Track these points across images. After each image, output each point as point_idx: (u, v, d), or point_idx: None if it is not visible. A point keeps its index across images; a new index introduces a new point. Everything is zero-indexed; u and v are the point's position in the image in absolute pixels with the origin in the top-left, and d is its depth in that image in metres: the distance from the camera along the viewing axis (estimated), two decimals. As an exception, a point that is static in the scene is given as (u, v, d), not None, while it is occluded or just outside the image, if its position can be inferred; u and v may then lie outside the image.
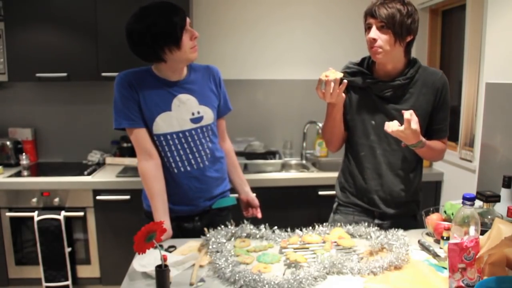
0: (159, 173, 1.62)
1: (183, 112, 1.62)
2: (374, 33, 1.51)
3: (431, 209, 1.65)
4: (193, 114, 1.63)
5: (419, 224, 1.71)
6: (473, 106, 2.39)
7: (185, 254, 1.40)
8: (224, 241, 1.44)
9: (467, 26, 2.39)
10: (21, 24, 2.61)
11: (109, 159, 2.95)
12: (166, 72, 1.61)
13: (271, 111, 3.18)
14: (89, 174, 2.63)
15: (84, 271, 2.63)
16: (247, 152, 2.90)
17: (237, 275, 1.21)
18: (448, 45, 2.88)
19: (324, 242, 1.45)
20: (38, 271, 2.52)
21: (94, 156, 2.98)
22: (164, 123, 1.59)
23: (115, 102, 1.59)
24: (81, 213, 2.53)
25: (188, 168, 1.65)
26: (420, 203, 1.76)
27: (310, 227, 1.55)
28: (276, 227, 1.57)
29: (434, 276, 1.26)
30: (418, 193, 1.75)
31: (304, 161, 3.13)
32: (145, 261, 1.29)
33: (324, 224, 1.57)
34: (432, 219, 1.57)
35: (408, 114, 1.42)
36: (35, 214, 2.46)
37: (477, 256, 1.10)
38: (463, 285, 1.09)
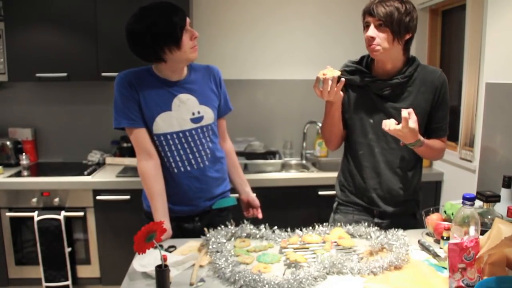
0: (159, 173, 1.62)
1: (183, 112, 1.61)
2: (372, 31, 1.52)
3: (431, 209, 1.65)
4: (193, 114, 1.63)
5: (419, 223, 1.71)
6: (473, 106, 2.39)
7: (185, 254, 1.40)
8: (224, 241, 1.44)
9: (467, 26, 2.39)
10: (21, 24, 2.61)
11: (109, 159, 2.95)
12: (166, 72, 1.61)
13: (271, 111, 3.18)
14: (89, 174, 2.63)
15: (84, 271, 2.63)
16: (247, 152, 2.90)
17: (237, 275, 1.21)
18: (448, 45, 2.88)
19: (324, 242, 1.45)
20: (38, 271, 2.52)
21: (94, 156, 2.98)
22: (164, 123, 1.59)
23: (115, 102, 1.59)
24: (81, 213, 2.53)
25: (188, 168, 1.65)
26: (419, 202, 1.77)
27: (310, 227, 1.55)
28: (276, 227, 1.57)
29: (434, 276, 1.26)
30: (418, 192, 1.74)
31: (304, 161, 3.13)
32: (145, 261, 1.29)
33: (324, 224, 1.57)
34: (432, 219, 1.57)
35: (406, 112, 1.42)
36: (35, 214, 2.46)
37: (477, 256, 1.10)
38: (463, 285, 1.09)
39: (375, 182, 1.67)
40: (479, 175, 2.21)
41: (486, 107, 2.15)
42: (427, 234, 1.60)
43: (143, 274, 1.28)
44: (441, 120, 1.65)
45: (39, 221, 2.45)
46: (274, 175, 2.71)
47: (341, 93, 1.57)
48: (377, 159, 1.66)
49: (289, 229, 1.57)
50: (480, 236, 1.18)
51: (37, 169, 2.84)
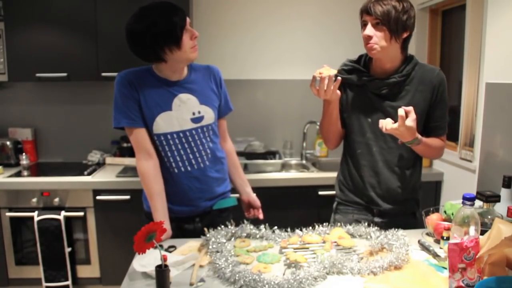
0: (158, 173, 1.62)
1: (183, 112, 1.61)
2: (369, 30, 1.52)
3: (431, 209, 1.65)
4: (193, 113, 1.63)
5: (419, 222, 1.71)
6: (473, 106, 2.39)
7: (185, 254, 1.40)
8: (224, 241, 1.44)
9: (467, 26, 2.39)
10: (21, 24, 2.61)
11: (109, 159, 2.95)
12: (167, 72, 1.60)
13: (271, 111, 3.18)
14: (89, 174, 2.63)
15: (84, 271, 2.63)
16: (247, 152, 2.90)
17: (237, 275, 1.21)
18: (448, 45, 2.88)
19: (324, 242, 1.45)
20: (38, 271, 2.52)
21: (94, 156, 2.98)
22: (164, 123, 1.59)
23: (115, 101, 1.59)
24: (81, 213, 2.53)
25: (189, 168, 1.65)
26: (419, 201, 1.77)
27: (310, 227, 1.55)
28: (276, 227, 1.57)
29: (434, 276, 1.26)
30: (417, 191, 1.75)
31: (304, 161, 3.14)
32: (145, 261, 1.29)
33: (324, 224, 1.57)
34: (432, 219, 1.57)
35: (402, 111, 1.42)
36: (35, 214, 2.46)
37: (477, 256, 1.10)
38: (463, 285, 1.09)
39: (374, 181, 1.67)
40: (479, 175, 2.21)
41: (486, 107, 2.15)
42: (427, 234, 1.60)
43: (143, 274, 1.28)
44: (440, 118, 1.64)
45: (39, 221, 2.45)
46: (274, 175, 2.71)
47: (338, 92, 1.57)
48: (375, 158, 1.66)
49: (289, 229, 1.57)
50: (480, 236, 1.18)
51: (37, 169, 2.84)
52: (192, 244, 1.51)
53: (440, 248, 1.45)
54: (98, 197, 2.51)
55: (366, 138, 1.66)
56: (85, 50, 2.67)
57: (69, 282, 2.54)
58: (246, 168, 2.75)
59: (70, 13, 2.63)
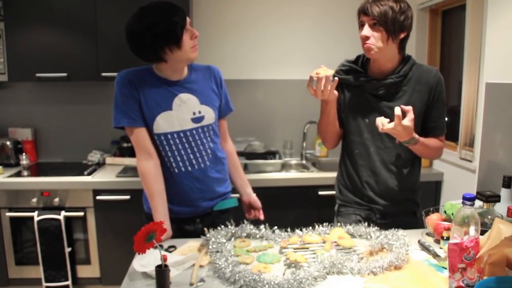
0: (159, 173, 1.61)
1: (184, 112, 1.61)
2: (366, 30, 1.52)
3: (431, 209, 1.65)
4: (194, 113, 1.63)
5: (419, 221, 1.71)
6: (473, 106, 2.39)
7: (185, 254, 1.40)
8: (224, 241, 1.44)
9: (467, 26, 2.39)
10: (21, 24, 2.61)
11: (109, 159, 2.95)
12: (167, 72, 1.60)
13: (271, 111, 3.18)
14: (89, 174, 2.63)
15: (84, 271, 2.63)
16: (247, 152, 2.90)
17: (237, 275, 1.21)
18: (448, 45, 2.88)
19: (324, 242, 1.45)
20: (38, 271, 2.52)
21: (94, 156, 2.98)
22: (164, 122, 1.59)
23: (115, 100, 1.59)
24: (81, 213, 2.53)
25: (189, 168, 1.65)
26: (419, 201, 1.77)
27: (310, 227, 1.55)
28: (276, 227, 1.57)
29: (434, 276, 1.26)
30: (417, 190, 1.75)
31: (304, 161, 3.14)
32: (145, 261, 1.29)
33: (324, 224, 1.56)
34: (432, 219, 1.57)
35: (399, 110, 1.42)
36: (35, 214, 2.46)
37: (477, 256, 1.10)
38: (463, 285, 1.09)
39: (372, 181, 1.68)
40: (479, 175, 2.21)
41: (486, 107, 2.15)
42: (427, 234, 1.60)
43: (143, 274, 1.28)
44: (437, 119, 1.65)
45: (39, 221, 2.45)
46: (274, 175, 2.71)
47: (336, 92, 1.57)
48: (372, 158, 1.66)
49: (289, 229, 1.57)
50: (480, 236, 1.18)
51: (37, 169, 2.84)
52: (192, 244, 1.51)
53: (440, 248, 1.45)
54: (98, 197, 2.51)
55: (363, 139, 1.67)
56: (85, 50, 2.67)
57: (69, 282, 2.54)
58: (246, 168, 2.75)
59: (70, 13, 2.63)
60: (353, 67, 1.66)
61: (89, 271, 2.63)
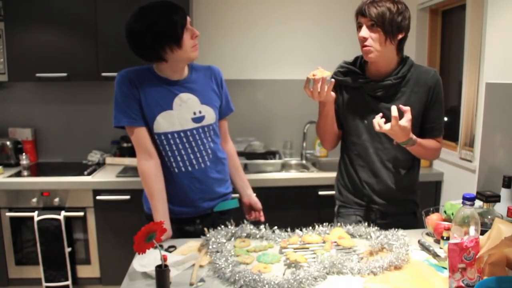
0: (159, 172, 1.61)
1: (184, 111, 1.61)
2: (364, 31, 1.52)
3: (431, 209, 1.65)
4: (194, 113, 1.63)
5: (419, 221, 1.71)
6: (473, 106, 2.39)
7: (185, 254, 1.40)
8: (224, 241, 1.44)
9: (467, 26, 2.39)
10: (21, 24, 2.61)
11: (109, 159, 2.95)
12: (167, 72, 1.60)
13: (271, 111, 3.18)
14: (89, 174, 2.63)
15: (84, 271, 2.63)
16: (247, 152, 2.90)
17: (237, 275, 1.21)
18: (448, 45, 2.88)
19: (324, 242, 1.45)
20: (38, 271, 2.52)
21: (94, 156, 2.98)
22: (165, 122, 1.59)
23: (115, 100, 1.58)
24: (81, 213, 2.53)
25: (190, 168, 1.64)
26: (418, 201, 1.77)
27: (310, 227, 1.55)
28: (276, 227, 1.57)
29: (434, 276, 1.26)
30: (416, 191, 1.75)
31: (304, 161, 3.14)
32: (145, 261, 1.29)
33: (324, 224, 1.56)
34: (432, 219, 1.57)
35: (395, 111, 1.42)
36: (35, 214, 2.46)
37: (477, 256, 1.10)
38: (463, 285, 1.09)
39: (372, 182, 1.68)
40: (479, 175, 2.21)
41: (486, 107, 2.15)
42: (427, 234, 1.60)
43: (143, 274, 1.28)
44: (435, 120, 1.65)
45: (39, 221, 2.45)
46: (274, 175, 2.71)
47: (333, 93, 1.57)
48: (372, 159, 1.66)
49: (289, 229, 1.57)
50: (480, 236, 1.18)
51: (37, 169, 2.84)
52: (192, 244, 1.51)
53: (440, 248, 1.45)
54: (98, 197, 2.51)
55: (362, 140, 1.67)
56: (85, 50, 2.67)
57: (69, 282, 2.54)
58: (246, 168, 2.75)
59: (70, 13, 2.63)
60: (351, 68, 1.66)
61: (89, 271, 2.63)
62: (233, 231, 1.54)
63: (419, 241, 1.50)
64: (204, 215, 1.71)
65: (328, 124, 1.68)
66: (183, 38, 1.50)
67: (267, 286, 1.16)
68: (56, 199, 2.50)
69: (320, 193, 2.64)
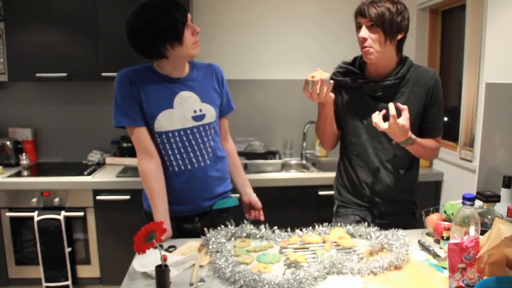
0: (160, 172, 1.61)
1: (185, 110, 1.61)
2: (364, 32, 1.52)
3: (431, 209, 1.65)
4: (195, 111, 1.63)
5: (419, 221, 1.71)
6: (473, 106, 2.39)
7: (185, 254, 1.40)
8: (224, 241, 1.44)
9: (467, 26, 2.39)
10: (21, 24, 2.61)
11: (109, 159, 2.95)
12: (168, 69, 1.60)
13: (271, 111, 3.18)
14: (89, 174, 2.63)
15: (84, 271, 2.63)
16: (247, 152, 2.90)
17: (237, 275, 1.21)
18: (448, 45, 2.88)
19: (324, 242, 1.45)
20: (38, 271, 2.52)
21: (94, 156, 2.98)
22: (165, 121, 1.59)
23: (115, 100, 1.58)
24: (81, 213, 2.53)
25: (189, 167, 1.64)
26: (417, 201, 1.77)
27: (310, 227, 1.55)
28: (276, 227, 1.57)
29: (434, 276, 1.26)
30: (415, 191, 1.75)
31: (304, 161, 3.14)
32: (145, 261, 1.29)
33: (324, 224, 1.56)
34: (432, 219, 1.57)
35: (393, 110, 1.42)
36: (35, 214, 2.46)
37: (477, 256, 1.10)
38: (463, 285, 1.09)
39: (371, 182, 1.68)
40: (479, 175, 2.21)
41: (486, 107, 2.15)
42: (427, 234, 1.60)
43: (143, 274, 1.28)
44: (434, 120, 1.65)
45: (39, 221, 2.45)
46: (274, 175, 2.71)
47: (332, 94, 1.57)
48: (371, 159, 1.67)
49: (289, 229, 1.57)
50: (480, 236, 1.18)
51: (37, 169, 2.84)
52: (192, 244, 1.51)
53: (440, 248, 1.45)
54: (98, 197, 2.51)
55: (361, 140, 1.67)
56: (85, 50, 2.67)
57: (69, 282, 2.54)
58: (246, 168, 2.75)
59: (70, 13, 2.63)
60: (350, 68, 1.67)
61: (89, 271, 2.63)
62: (233, 231, 1.54)
63: (419, 241, 1.50)
64: (203, 213, 1.71)
65: (328, 124, 1.68)
66: (184, 35, 1.50)
67: (267, 286, 1.16)
68: (56, 199, 2.50)
69: (320, 193, 2.64)
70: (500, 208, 1.63)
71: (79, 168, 2.76)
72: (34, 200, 2.50)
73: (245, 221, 1.59)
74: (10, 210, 2.51)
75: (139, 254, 1.14)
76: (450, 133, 2.64)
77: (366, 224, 1.56)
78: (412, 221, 1.74)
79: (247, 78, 3.12)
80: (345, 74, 1.67)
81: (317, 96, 1.52)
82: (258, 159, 2.82)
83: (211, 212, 1.73)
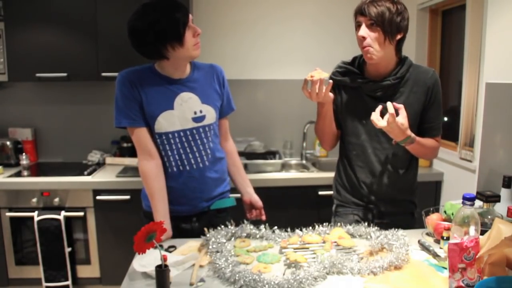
0: (160, 173, 1.61)
1: (185, 111, 1.61)
2: (363, 31, 1.52)
3: (431, 209, 1.65)
4: (195, 113, 1.63)
5: (418, 221, 1.71)
6: (473, 106, 2.39)
7: (185, 254, 1.40)
8: (224, 241, 1.44)
9: (467, 26, 2.39)
10: (21, 24, 2.61)
11: (109, 159, 2.95)
12: (169, 69, 1.60)
13: (271, 111, 3.18)
14: (89, 174, 2.63)
15: (84, 271, 2.63)
16: (247, 152, 2.90)
17: (237, 275, 1.21)
18: (448, 45, 2.88)
19: (324, 242, 1.45)
20: (38, 271, 2.52)
21: (94, 156, 2.98)
22: (166, 122, 1.59)
23: (116, 101, 1.58)
24: (81, 213, 2.53)
25: (188, 168, 1.64)
26: (416, 201, 1.77)
27: (310, 227, 1.55)
28: (276, 227, 1.57)
29: (434, 276, 1.26)
30: (414, 191, 1.75)
31: (304, 161, 3.13)
32: (145, 261, 1.29)
33: (324, 224, 1.57)
34: (432, 219, 1.57)
35: (392, 108, 1.42)
36: (35, 214, 2.46)
37: (477, 256, 1.10)
38: (463, 285, 1.09)
39: (370, 182, 1.68)
40: (479, 175, 2.21)
41: (486, 107, 2.15)
42: (427, 234, 1.60)
43: (143, 274, 1.28)
44: (434, 119, 1.65)
45: (39, 221, 2.45)
46: (274, 175, 2.71)
47: (331, 94, 1.57)
48: (370, 159, 1.67)
49: (289, 229, 1.57)
50: (480, 236, 1.18)
51: (37, 169, 2.84)
52: (192, 244, 1.51)
53: (440, 248, 1.45)
54: (98, 197, 2.51)
55: (361, 140, 1.67)
56: (85, 50, 2.67)
57: (69, 282, 2.54)
58: (246, 168, 2.75)
59: (70, 13, 2.63)
60: (350, 68, 1.67)
61: (89, 271, 2.63)
62: (233, 231, 1.54)
63: (419, 241, 1.50)
64: (200, 213, 1.71)
65: (327, 124, 1.68)
66: (185, 36, 1.50)
67: (267, 286, 1.16)
68: (56, 199, 2.50)
69: (320, 193, 2.64)
70: (500, 208, 1.63)
71: (79, 168, 2.76)
72: (34, 200, 2.50)
73: (245, 221, 1.59)
74: (10, 210, 2.51)
75: (139, 254, 1.14)
76: (450, 133, 2.64)
77: (365, 224, 1.56)
78: (411, 221, 1.74)
79: (247, 78, 3.12)
80: (345, 74, 1.67)
81: (316, 95, 1.53)
82: (258, 159, 2.82)
83: (209, 212, 1.73)
